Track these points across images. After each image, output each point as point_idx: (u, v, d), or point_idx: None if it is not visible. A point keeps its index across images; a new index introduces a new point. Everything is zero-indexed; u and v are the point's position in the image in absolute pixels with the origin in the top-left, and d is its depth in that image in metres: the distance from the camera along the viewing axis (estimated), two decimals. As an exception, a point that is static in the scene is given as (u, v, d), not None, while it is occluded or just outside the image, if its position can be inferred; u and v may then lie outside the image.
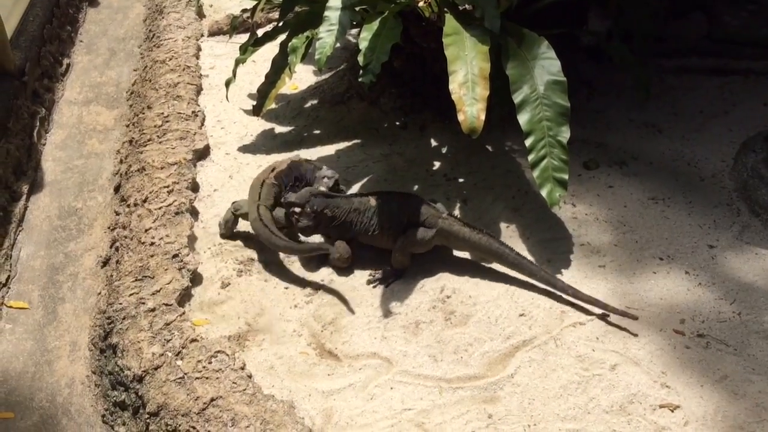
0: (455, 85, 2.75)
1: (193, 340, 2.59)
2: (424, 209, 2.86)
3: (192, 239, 3.10)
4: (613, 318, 2.63)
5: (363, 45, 2.90)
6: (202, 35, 4.88)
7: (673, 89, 3.91)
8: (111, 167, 3.95)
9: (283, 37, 3.65)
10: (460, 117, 2.71)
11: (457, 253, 2.97)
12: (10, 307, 3.11)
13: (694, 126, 3.64)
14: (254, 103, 3.85)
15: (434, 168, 3.50)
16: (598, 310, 2.66)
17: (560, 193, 2.75)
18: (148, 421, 2.42)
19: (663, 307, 2.68)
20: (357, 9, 3.13)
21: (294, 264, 3.03)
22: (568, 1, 3.58)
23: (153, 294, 2.79)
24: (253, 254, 3.08)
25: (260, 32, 3.95)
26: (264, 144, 3.79)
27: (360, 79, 2.87)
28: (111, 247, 3.24)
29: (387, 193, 3.01)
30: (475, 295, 2.79)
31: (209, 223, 3.25)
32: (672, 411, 2.32)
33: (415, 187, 3.37)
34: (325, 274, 2.96)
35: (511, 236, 3.03)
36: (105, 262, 3.24)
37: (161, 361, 2.53)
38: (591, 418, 2.32)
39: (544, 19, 3.39)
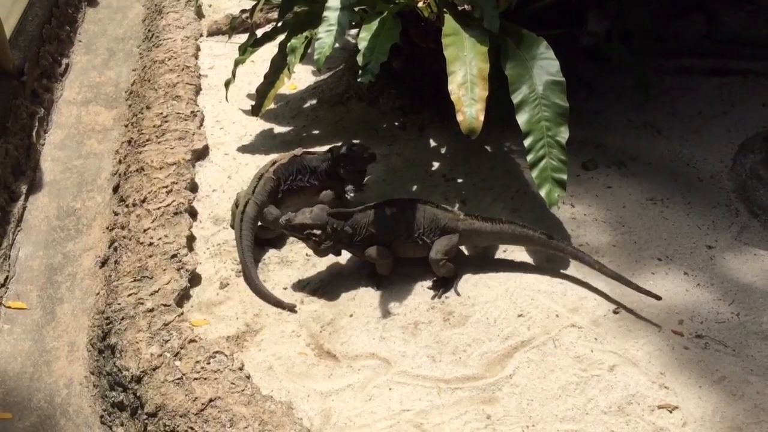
0: (454, 86, 2.75)
1: (192, 341, 2.59)
2: (441, 214, 2.84)
3: (191, 239, 3.10)
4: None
5: (362, 45, 2.90)
6: (201, 35, 4.87)
7: (672, 90, 3.90)
8: (110, 167, 3.95)
9: (282, 37, 3.65)
10: (459, 117, 2.71)
11: (456, 252, 2.97)
12: (9, 307, 3.11)
13: (692, 126, 3.63)
14: (253, 103, 3.85)
15: (433, 168, 3.50)
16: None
17: (559, 193, 2.75)
18: (146, 421, 2.42)
19: (661, 307, 2.67)
20: (356, 9, 3.12)
21: (293, 264, 3.03)
22: (567, 2, 3.58)
23: (151, 294, 2.79)
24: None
25: (259, 32, 3.95)
26: (263, 144, 3.79)
27: (359, 80, 2.87)
28: (109, 247, 3.24)
29: (399, 200, 2.93)
30: (474, 296, 2.78)
31: (208, 224, 3.25)
32: (670, 412, 2.32)
33: (414, 187, 3.37)
34: (324, 275, 2.96)
35: (510, 237, 3.03)
36: (103, 263, 3.24)
37: (160, 361, 2.53)
38: (589, 418, 2.32)
39: (543, 19, 3.39)
